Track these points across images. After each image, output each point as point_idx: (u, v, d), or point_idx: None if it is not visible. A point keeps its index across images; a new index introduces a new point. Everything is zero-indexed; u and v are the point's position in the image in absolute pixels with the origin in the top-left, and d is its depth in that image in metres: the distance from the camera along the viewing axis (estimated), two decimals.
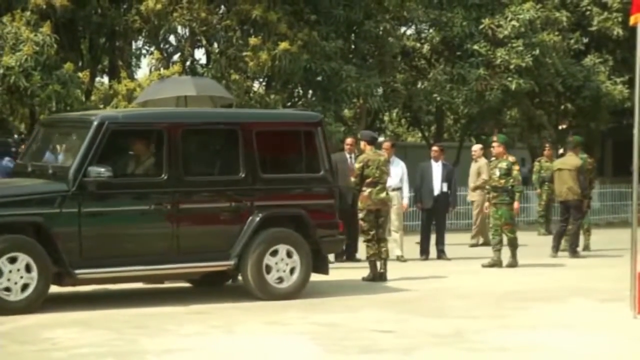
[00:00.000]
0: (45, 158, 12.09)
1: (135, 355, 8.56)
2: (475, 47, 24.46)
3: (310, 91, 23.25)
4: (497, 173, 15.72)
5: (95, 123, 11.03)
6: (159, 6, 20.97)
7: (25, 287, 10.51)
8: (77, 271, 10.75)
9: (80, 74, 20.11)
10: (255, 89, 22.52)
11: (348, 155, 16.04)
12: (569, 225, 17.29)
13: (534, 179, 21.94)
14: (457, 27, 24.62)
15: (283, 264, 11.76)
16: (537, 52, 24.43)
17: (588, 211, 18.41)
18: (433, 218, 17.08)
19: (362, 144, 14.11)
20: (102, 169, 10.75)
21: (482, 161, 18.95)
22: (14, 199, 10.80)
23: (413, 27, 27.13)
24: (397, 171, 16.07)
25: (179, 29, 22.42)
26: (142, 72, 37.18)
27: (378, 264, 13.75)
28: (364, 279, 13.73)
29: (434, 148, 17.64)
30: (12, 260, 10.47)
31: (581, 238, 18.00)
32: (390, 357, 8.61)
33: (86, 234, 10.80)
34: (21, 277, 10.49)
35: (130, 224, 11.16)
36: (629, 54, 25.34)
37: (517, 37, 24.45)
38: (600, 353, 8.99)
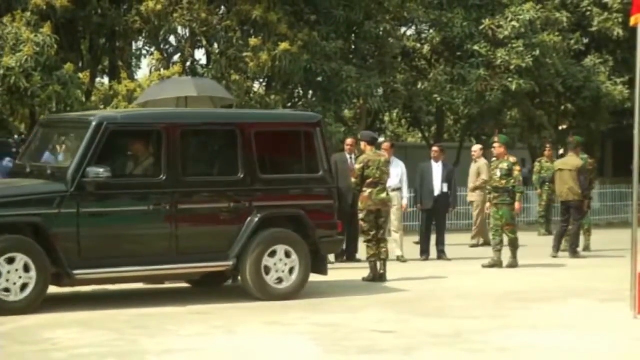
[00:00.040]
0: (44, 158, 12.09)
1: (136, 355, 8.55)
2: (476, 47, 24.45)
3: (311, 92, 23.25)
4: (498, 174, 15.71)
5: (94, 123, 11.01)
6: (159, 7, 20.99)
7: (24, 287, 10.50)
8: (75, 272, 10.73)
9: (80, 75, 20.10)
10: (255, 90, 22.53)
11: (348, 156, 16.03)
12: (569, 226, 17.29)
13: (535, 179, 21.92)
14: (457, 28, 24.61)
15: (282, 264, 11.75)
16: (538, 52, 24.42)
17: (588, 211, 18.41)
18: (433, 218, 17.07)
19: (363, 144, 14.10)
20: (101, 170, 10.74)
21: (482, 162, 18.94)
22: (12, 200, 10.78)
23: (413, 27, 27.15)
24: (397, 171, 16.06)
25: (179, 30, 22.45)
26: (143, 72, 37.24)
27: (378, 264, 13.74)
28: (364, 279, 13.73)
29: (434, 148, 17.63)
30: (10, 261, 10.46)
31: (581, 238, 18.00)
32: (390, 358, 8.60)
33: (85, 234, 10.79)
34: (20, 277, 10.49)
35: (128, 224, 11.14)
36: (629, 54, 25.36)
37: (517, 38, 24.45)
38: (600, 353, 8.99)
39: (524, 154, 30.15)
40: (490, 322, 10.44)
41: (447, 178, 16.98)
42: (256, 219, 11.59)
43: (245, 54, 21.00)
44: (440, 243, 17.04)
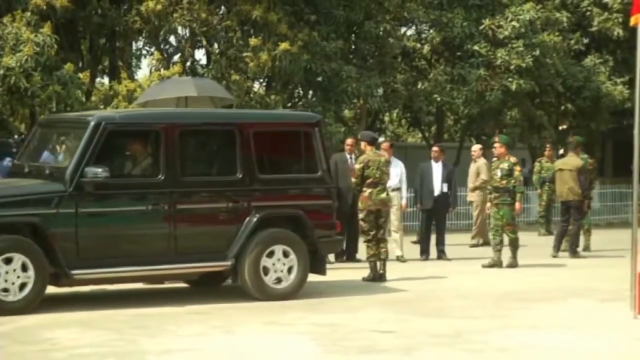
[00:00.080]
0: (43, 158, 12.07)
1: (135, 355, 8.55)
2: (476, 47, 24.43)
3: (311, 92, 23.24)
4: (499, 174, 15.70)
5: (92, 123, 11.00)
6: (159, 7, 20.98)
7: (22, 287, 10.49)
8: (73, 272, 10.72)
9: (80, 75, 20.10)
10: (255, 90, 22.52)
11: (348, 156, 16.02)
12: (569, 226, 17.28)
13: (535, 179, 21.91)
14: (457, 28, 24.60)
15: (280, 264, 11.73)
16: (538, 52, 24.40)
17: (588, 211, 18.40)
18: (433, 218, 17.06)
19: (363, 144, 14.08)
20: (99, 170, 10.72)
21: (482, 161, 18.94)
22: (10, 200, 10.76)
23: (413, 27, 27.14)
24: (396, 171, 16.05)
25: (179, 30, 22.43)
26: (143, 72, 37.26)
27: (378, 264, 13.73)
28: (364, 279, 13.72)
29: (434, 148, 17.61)
30: (8, 261, 10.45)
31: (581, 238, 17.99)
32: (390, 358, 8.59)
33: (83, 234, 10.77)
34: (18, 277, 10.47)
35: (127, 224, 11.12)
36: (629, 54, 25.34)
37: (517, 38, 24.43)
38: (600, 353, 8.98)
39: (524, 154, 30.14)
40: (490, 322, 10.43)
41: (447, 178, 16.97)
42: (255, 219, 11.57)
43: (245, 54, 20.99)
44: (440, 243, 17.03)
